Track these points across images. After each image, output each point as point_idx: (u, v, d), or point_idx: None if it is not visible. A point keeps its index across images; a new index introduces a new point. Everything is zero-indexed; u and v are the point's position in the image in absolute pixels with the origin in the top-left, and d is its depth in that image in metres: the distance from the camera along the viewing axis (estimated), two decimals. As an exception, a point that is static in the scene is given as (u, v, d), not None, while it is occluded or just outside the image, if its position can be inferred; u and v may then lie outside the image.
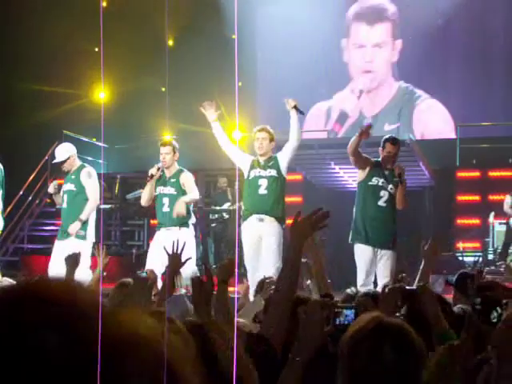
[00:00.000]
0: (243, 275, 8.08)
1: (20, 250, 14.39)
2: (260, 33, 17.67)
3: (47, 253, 12.87)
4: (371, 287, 7.00)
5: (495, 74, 16.46)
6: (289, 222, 8.65)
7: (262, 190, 7.98)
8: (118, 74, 15.40)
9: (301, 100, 17.24)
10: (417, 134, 15.80)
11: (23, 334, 0.80)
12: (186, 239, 7.50)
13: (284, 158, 8.01)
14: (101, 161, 14.47)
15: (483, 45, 16.35)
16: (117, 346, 0.81)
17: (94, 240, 8.38)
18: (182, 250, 4.66)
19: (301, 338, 2.58)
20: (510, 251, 11.95)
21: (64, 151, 8.49)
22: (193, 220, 8.35)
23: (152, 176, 8.11)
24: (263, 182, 7.99)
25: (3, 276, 7.77)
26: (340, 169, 13.03)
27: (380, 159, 7.81)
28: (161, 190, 8.22)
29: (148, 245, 8.55)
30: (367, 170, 7.81)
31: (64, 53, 15.74)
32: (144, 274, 6.46)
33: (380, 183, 7.73)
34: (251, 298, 6.78)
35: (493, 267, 11.75)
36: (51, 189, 8.58)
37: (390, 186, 7.71)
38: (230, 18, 14.88)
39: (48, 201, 8.65)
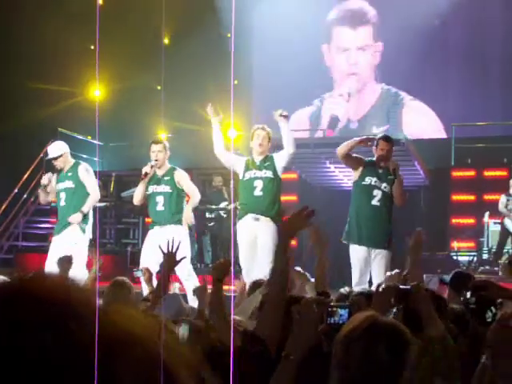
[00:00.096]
0: (238, 273, 8.08)
1: (15, 248, 14.36)
2: (256, 31, 17.65)
3: (42, 250, 12.87)
4: (366, 286, 6.99)
5: (490, 73, 16.48)
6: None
7: (258, 192, 7.95)
8: (114, 72, 15.37)
9: (297, 98, 17.30)
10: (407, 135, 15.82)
11: (14, 332, 0.79)
12: (180, 237, 7.50)
13: (281, 161, 8.01)
14: (96, 159, 14.44)
15: (479, 45, 16.36)
16: (110, 346, 0.80)
17: (91, 236, 8.42)
18: (177, 248, 4.66)
19: (294, 337, 2.58)
20: (504, 251, 11.98)
21: (57, 149, 8.51)
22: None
23: (146, 174, 8.09)
24: (259, 184, 7.97)
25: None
26: (335, 168, 13.03)
27: (374, 158, 7.79)
28: (154, 188, 8.17)
29: (143, 243, 8.53)
30: (360, 169, 7.80)
31: (59, 51, 15.72)
32: (139, 273, 6.44)
33: (373, 182, 7.71)
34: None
35: (487, 267, 11.77)
36: (45, 180, 8.56)
37: (384, 185, 7.69)
38: (226, 16, 14.89)
39: (39, 190, 8.64)
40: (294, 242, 13.43)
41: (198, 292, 4.41)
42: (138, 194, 8.29)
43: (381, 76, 17.34)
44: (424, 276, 10.48)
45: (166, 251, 4.66)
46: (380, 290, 3.43)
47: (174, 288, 7.09)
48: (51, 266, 7.77)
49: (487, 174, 13.82)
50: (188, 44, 16.15)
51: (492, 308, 3.31)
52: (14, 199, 14.69)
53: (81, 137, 15.28)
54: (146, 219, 12.60)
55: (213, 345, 2.87)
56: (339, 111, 17.66)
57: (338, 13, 17.92)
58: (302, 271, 5.56)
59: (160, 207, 8.13)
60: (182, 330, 5.25)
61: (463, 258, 12.57)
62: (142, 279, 6.64)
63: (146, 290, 6.59)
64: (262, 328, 3.15)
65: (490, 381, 2.55)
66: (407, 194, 7.94)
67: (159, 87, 17.00)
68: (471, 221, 13.60)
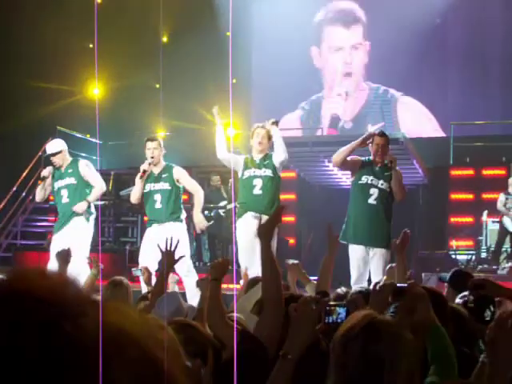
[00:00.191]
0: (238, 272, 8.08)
1: (13, 246, 14.35)
2: (255, 30, 17.65)
3: (40, 249, 12.88)
4: (364, 285, 6.99)
5: (489, 72, 16.48)
6: (284, 219, 8.70)
7: (257, 190, 7.95)
8: (112, 71, 15.37)
9: (296, 95, 17.29)
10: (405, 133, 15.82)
11: (2, 331, 0.78)
12: (179, 234, 7.50)
13: (276, 162, 8.02)
14: (95, 157, 14.43)
15: (478, 44, 16.36)
16: (106, 346, 0.79)
17: (93, 230, 8.48)
18: (176, 247, 4.66)
19: (292, 336, 2.58)
20: (502, 250, 11.98)
21: (55, 145, 8.54)
22: (184, 214, 8.33)
23: (145, 172, 8.08)
24: (258, 182, 7.96)
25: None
26: (334, 166, 13.03)
27: (371, 157, 7.78)
28: (151, 186, 8.15)
29: (141, 241, 8.54)
30: (357, 170, 7.79)
31: (58, 49, 15.72)
32: (138, 272, 6.44)
33: (369, 181, 7.68)
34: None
35: (486, 265, 11.78)
36: (46, 172, 8.56)
37: (381, 182, 7.65)
38: (225, 14, 14.87)
39: (39, 182, 8.64)
40: (292, 241, 13.45)
41: (201, 284, 4.41)
42: (135, 193, 8.27)
43: (376, 75, 17.33)
44: (423, 274, 10.53)
45: (164, 250, 4.66)
46: (377, 288, 3.43)
47: (173, 281, 7.08)
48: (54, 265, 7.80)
49: (486, 172, 13.83)
50: (187, 42, 16.14)
51: (490, 306, 3.31)
52: (13, 197, 14.68)
53: (80, 135, 15.27)
54: (145, 217, 12.61)
55: (210, 344, 2.87)
56: (339, 110, 17.67)
57: (327, 13, 17.92)
58: (304, 272, 5.57)
59: (158, 205, 8.12)
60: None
61: (462, 257, 12.58)
62: (141, 278, 6.65)
63: (144, 289, 6.60)
64: (261, 329, 3.15)
65: (488, 379, 2.55)
66: (406, 190, 7.89)
67: (158, 86, 16.99)
68: (470, 219, 13.61)
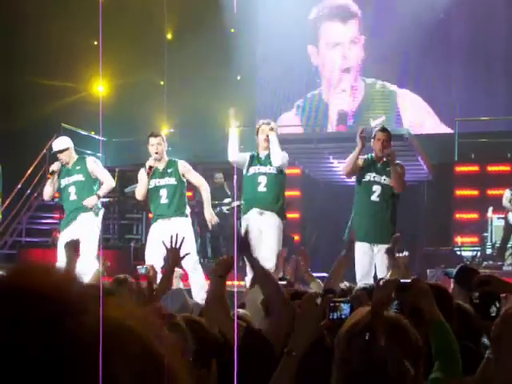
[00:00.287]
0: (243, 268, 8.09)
1: (18, 244, 14.37)
2: (260, 26, 17.63)
3: (45, 246, 12.90)
4: (370, 281, 6.98)
5: (494, 69, 16.44)
6: (289, 216, 8.70)
7: (262, 188, 7.93)
8: (117, 68, 15.38)
9: (298, 91, 17.24)
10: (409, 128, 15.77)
11: (2, 328, 0.77)
12: (184, 230, 7.50)
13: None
14: (99, 154, 14.44)
15: (482, 40, 16.32)
16: (107, 342, 0.78)
17: (100, 225, 8.53)
18: (181, 244, 4.66)
19: (296, 332, 2.58)
20: (508, 246, 11.95)
21: (62, 143, 8.56)
22: (188, 210, 8.32)
23: (151, 168, 8.08)
24: (263, 179, 7.95)
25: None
26: (338, 163, 13.02)
27: (373, 154, 7.77)
28: (157, 182, 8.14)
29: (146, 238, 8.54)
30: (360, 169, 7.78)
31: (63, 47, 15.72)
32: (144, 270, 6.45)
33: (372, 178, 7.67)
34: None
35: (491, 262, 11.76)
36: (55, 166, 8.55)
37: (384, 178, 7.64)
38: (230, 11, 14.88)
39: (49, 176, 8.61)
40: (296, 237, 13.45)
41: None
42: (141, 189, 8.23)
43: (376, 70, 17.25)
44: (428, 271, 10.53)
45: (169, 247, 4.66)
46: (380, 284, 3.43)
47: (178, 276, 7.08)
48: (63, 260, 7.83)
49: (491, 168, 13.81)
50: (191, 39, 16.13)
51: (496, 303, 3.30)
52: (18, 195, 14.70)
53: (84, 132, 15.28)
54: (150, 214, 12.61)
55: (214, 340, 2.87)
56: (345, 106, 17.64)
57: (326, 10, 17.87)
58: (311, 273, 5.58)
59: (164, 200, 8.11)
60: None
61: (467, 253, 12.56)
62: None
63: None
64: (272, 327, 3.15)
65: (494, 375, 2.55)
66: (406, 185, 7.83)
67: (162, 83, 16.99)
68: (475, 216, 13.59)
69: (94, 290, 0.86)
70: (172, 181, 8.12)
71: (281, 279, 4.54)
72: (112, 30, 13.33)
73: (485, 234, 12.77)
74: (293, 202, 11.03)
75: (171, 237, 4.67)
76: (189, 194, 8.62)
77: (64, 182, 8.50)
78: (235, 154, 8.03)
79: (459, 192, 13.90)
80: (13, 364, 0.76)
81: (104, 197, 9.25)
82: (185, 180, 8.21)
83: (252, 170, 8.00)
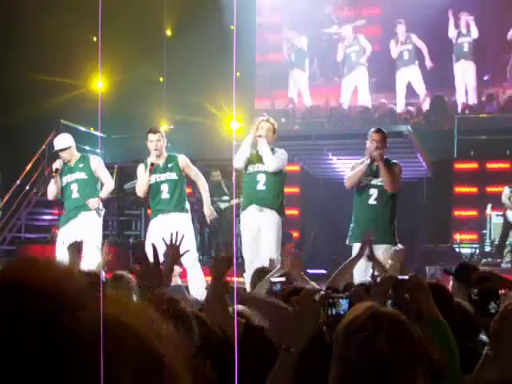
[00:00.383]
0: (242, 265, 8.09)
1: (17, 240, 14.36)
2: (259, 22, 17.62)
3: (44, 242, 12.88)
4: (368, 279, 6.97)
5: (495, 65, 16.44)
6: (288, 213, 8.69)
7: (261, 186, 7.88)
8: (116, 64, 15.35)
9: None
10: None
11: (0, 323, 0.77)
12: (185, 226, 7.50)
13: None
14: (98, 150, 14.43)
15: (484, 37, 16.30)
16: (106, 339, 0.77)
17: (102, 215, 8.55)
18: (181, 241, 4.65)
19: (295, 328, 2.58)
20: (506, 243, 11.97)
21: (64, 141, 8.54)
22: (188, 205, 8.31)
23: (152, 165, 8.06)
24: (261, 178, 7.90)
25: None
26: (338, 159, 13.04)
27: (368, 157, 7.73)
28: (157, 177, 8.11)
29: (145, 234, 8.53)
30: None
31: (62, 42, 15.69)
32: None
33: (368, 181, 7.62)
34: (248, 287, 6.77)
35: (490, 259, 11.77)
36: (57, 164, 8.54)
37: (380, 180, 7.57)
38: (229, 7, 14.84)
39: (54, 174, 8.59)
40: (295, 234, 13.46)
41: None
42: (142, 186, 8.17)
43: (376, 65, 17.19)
44: (426, 268, 10.53)
45: (169, 243, 4.65)
46: (378, 280, 3.44)
47: (176, 274, 7.08)
48: (62, 256, 7.83)
49: (490, 166, 13.82)
50: (190, 36, 16.11)
51: (495, 299, 3.30)
52: (16, 191, 14.69)
53: (83, 128, 15.26)
54: (149, 210, 12.60)
55: (215, 336, 2.87)
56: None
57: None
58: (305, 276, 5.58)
59: (165, 195, 8.08)
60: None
61: (465, 250, 12.57)
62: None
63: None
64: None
65: (493, 371, 2.55)
66: (399, 185, 7.78)
67: (161, 79, 16.98)
68: (474, 213, 13.60)
69: (90, 277, 0.85)
70: (173, 176, 8.10)
71: (285, 276, 4.53)
72: (111, 26, 13.30)
73: (484, 232, 12.79)
74: (292, 200, 11.02)
75: (171, 234, 4.66)
76: (188, 190, 8.60)
77: (66, 179, 8.49)
78: (242, 164, 7.97)
79: (458, 189, 13.91)
80: (10, 360, 0.75)
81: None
82: (184, 175, 8.20)
83: (251, 168, 7.95)
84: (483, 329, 3.35)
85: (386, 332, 2.08)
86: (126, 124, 15.95)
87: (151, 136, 8.09)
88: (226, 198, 12.78)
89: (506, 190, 12.00)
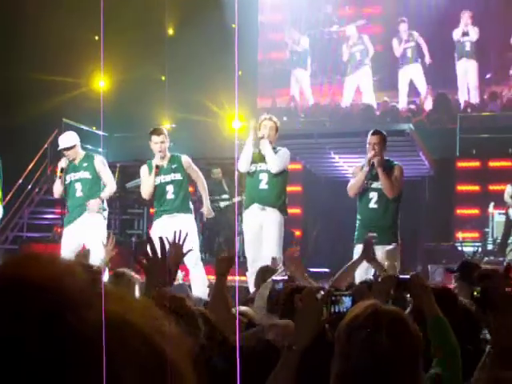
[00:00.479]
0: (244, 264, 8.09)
1: (19, 239, 14.37)
2: (261, 21, 17.62)
3: (46, 241, 12.90)
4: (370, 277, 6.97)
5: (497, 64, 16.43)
6: (290, 211, 8.69)
7: (263, 185, 7.88)
8: (118, 63, 15.35)
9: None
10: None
11: (2, 321, 0.76)
12: (189, 226, 7.49)
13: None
14: (100, 149, 14.44)
15: (485, 36, 16.29)
16: (109, 337, 0.76)
17: (106, 217, 8.57)
18: (184, 240, 4.65)
19: (297, 326, 2.58)
20: (509, 242, 11.96)
21: (69, 139, 8.50)
22: (191, 205, 8.31)
23: (158, 167, 8.04)
24: (264, 177, 7.90)
25: None
26: (339, 158, 13.04)
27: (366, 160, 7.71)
28: (162, 178, 8.09)
29: (147, 233, 8.53)
30: None
31: (64, 41, 15.69)
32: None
33: (368, 185, 7.60)
34: (252, 285, 6.78)
35: (492, 257, 11.76)
36: (63, 163, 8.52)
37: (380, 183, 7.58)
38: (231, 6, 14.83)
39: (61, 174, 8.56)
40: (298, 233, 13.46)
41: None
42: (148, 188, 8.13)
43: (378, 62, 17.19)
44: (429, 266, 10.53)
45: (172, 242, 4.65)
46: (379, 279, 3.44)
47: (179, 279, 7.10)
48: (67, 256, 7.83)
49: (492, 164, 13.81)
50: (192, 34, 16.11)
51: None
52: (19, 190, 14.70)
53: (85, 127, 15.27)
54: (151, 209, 12.59)
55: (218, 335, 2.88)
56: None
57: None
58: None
59: (170, 196, 8.07)
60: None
61: (468, 249, 12.57)
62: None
63: None
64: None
65: (493, 370, 2.55)
66: (399, 189, 7.75)
67: (163, 78, 16.98)
68: (476, 211, 13.59)
69: (92, 274, 0.85)
70: (178, 176, 8.09)
71: (289, 277, 4.53)
72: (113, 25, 13.31)
73: (486, 230, 12.78)
74: (294, 199, 11.02)
75: (174, 232, 4.66)
76: (190, 189, 8.59)
77: (70, 177, 8.47)
78: (248, 166, 7.97)
79: (460, 187, 13.90)
80: (13, 359, 0.75)
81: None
82: (187, 174, 8.21)
83: (253, 167, 7.94)
84: (485, 326, 3.35)
85: (387, 330, 2.08)
86: (128, 123, 15.95)
87: (155, 138, 8.06)
88: (226, 196, 12.77)
89: (508, 189, 11.99)
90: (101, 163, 8.54)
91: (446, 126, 15.83)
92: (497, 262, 11.21)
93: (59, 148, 8.62)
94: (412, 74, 16.57)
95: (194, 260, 7.70)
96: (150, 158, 8.49)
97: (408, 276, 3.19)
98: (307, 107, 17.40)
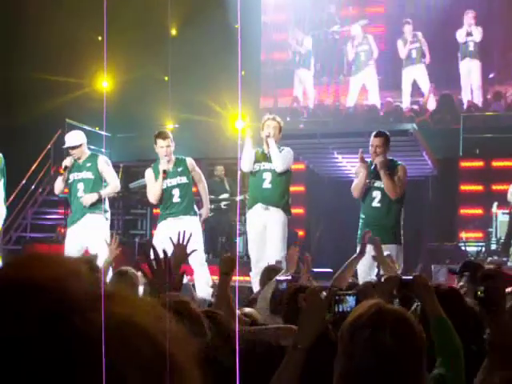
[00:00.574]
0: (247, 264, 8.09)
1: (23, 239, 14.40)
2: (264, 21, 17.61)
3: (50, 241, 12.92)
4: (373, 278, 6.97)
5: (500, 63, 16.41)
6: (294, 211, 8.69)
7: (267, 184, 7.88)
8: (121, 63, 15.37)
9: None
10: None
11: (5, 322, 0.76)
12: (195, 228, 7.48)
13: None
14: (103, 150, 14.45)
15: (487, 35, 16.27)
16: (112, 337, 0.76)
17: (109, 218, 8.51)
18: (188, 241, 4.64)
19: (301, 326, 2.58)
20: (513, 241, 11.94)
21: (76, 138, 8.47)
22: (196, 207, 8.31)
23: (165, 171, 8.02)
24: (267, 176, 7.90)
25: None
26: (343, 158, 13.04)
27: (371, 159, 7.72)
28: (168, 182, 8.07)
29: (151, 234, 8.53)
30: None
31: (67, 42, 15.71)
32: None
33: (371, 184, 7.62)
34: (256, 285, 6.78)
35: (496, 257, 11.74)
36: (68, 161, 8.49)
37: (382, 183, 7.58)
38: (234, 6, 14.84)
39: (64, 172, 8.54)
40: (301, 233, 13.46)
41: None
42: (156, 192, 8.08)
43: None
44: (432, 266, 10.52)
45: (176, 242, 4.65)
46: (382, 280, 3.44)
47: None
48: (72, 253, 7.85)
49: (495, 164, 13.79)
50: (195, 35, 16.12)
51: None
52: (22, 190, 14.72)
53: (89, 128, 15.28)
54: (154, 210, 12.60)
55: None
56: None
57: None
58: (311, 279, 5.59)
59: (176, 199, 8.06)
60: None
61: (471, 249, 12.55)
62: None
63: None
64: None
65: (493, 370, 2.55)
66: (402, 190, 7.75)
67: (166, 78, 16.98)
68: (479, 211, 13.58)
69: (88, 264, 0.84)
70: (184, 179, 8.08)
71: (292, 277, 4.53)
72: (116, 25, 13.32)
73: (489, 230, 12.75)
74: (297, 199, 11.02)
75: (179, 233, 4.66)
76: (194, 190, 8.59)
77: (73, 176, 8.45)
78: (250, 166, 7.96)
79: (464, 187, 13.89)
80: (17, 361, 0.74)
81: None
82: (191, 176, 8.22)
83: (256, 166, 7.95)
84: (488, 326, 3.34)
85: (391, 329, 2.08)
86: (131, 123, 15.96)
87: (161, 142, 8.03)
88: (226, 195, 12.77)
89: (511, 188, 11.97)
90: (104, 163, 8.50)
91: (449, 125, 15.80)
92: (500, 262, 11.21)
93: (65, 146, 8.61)
94: (415, 74, 16.56)
95: (198, 260, 7.70)
96: (153, 158, 8.48)
97: (411, 276, 3.19)
98: (310, 107, 17.39)
